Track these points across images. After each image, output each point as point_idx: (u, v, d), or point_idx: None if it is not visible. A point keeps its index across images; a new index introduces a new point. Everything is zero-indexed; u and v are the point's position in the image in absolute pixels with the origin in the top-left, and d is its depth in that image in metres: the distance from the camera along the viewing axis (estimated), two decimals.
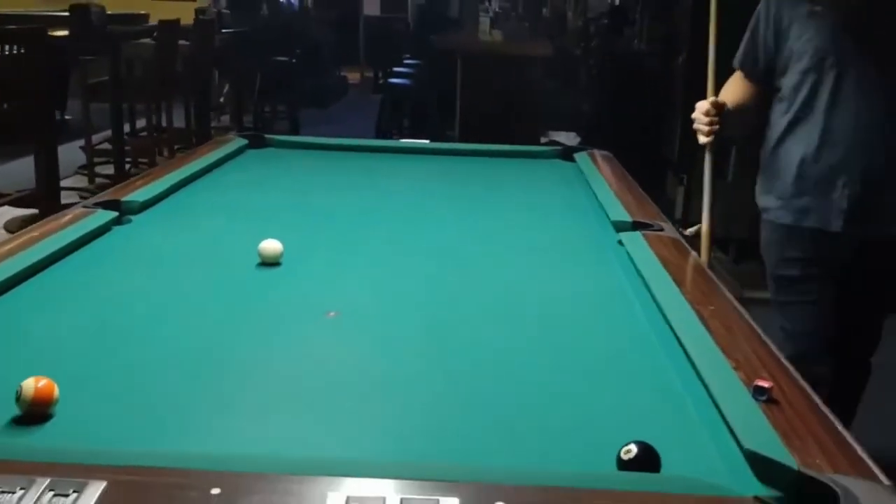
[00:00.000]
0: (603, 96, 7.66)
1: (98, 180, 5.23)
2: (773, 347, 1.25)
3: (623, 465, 0.94)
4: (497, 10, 9.49)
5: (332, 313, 1.43)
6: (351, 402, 1.12)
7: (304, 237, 1.85)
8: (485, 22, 5.49)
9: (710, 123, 2.06)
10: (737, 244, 4.46)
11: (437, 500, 0.84)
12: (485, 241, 1.93)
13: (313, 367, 1.23)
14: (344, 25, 11.90)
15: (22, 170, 4.56)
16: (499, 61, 5.26)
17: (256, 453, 0.94)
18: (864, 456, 0.95)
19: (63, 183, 4.67)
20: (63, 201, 4.17)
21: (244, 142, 2.74)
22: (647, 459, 0.94)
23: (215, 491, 0.84)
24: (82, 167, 5.42)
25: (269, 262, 1.64)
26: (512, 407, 1.13)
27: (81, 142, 5.30)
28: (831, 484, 0.88)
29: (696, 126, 2.10)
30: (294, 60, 7.44)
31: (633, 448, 0.94)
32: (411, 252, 1.83)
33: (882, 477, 0.92)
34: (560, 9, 12.25)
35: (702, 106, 2.08)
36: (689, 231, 5.35)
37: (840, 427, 1.01)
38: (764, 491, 0.90)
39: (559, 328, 1.43)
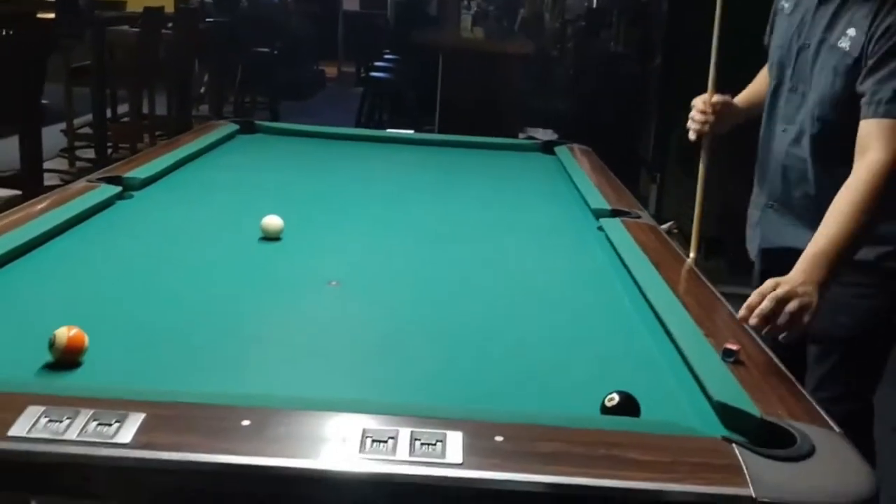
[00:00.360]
0: (579, 96, 7.80)
1: (79, 164, 5.26)
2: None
3: (606, 410, 1.05)
4: (478, 8, 9.58)
5: (334, 282, 1.53)
6: (364, 354, 1.24)
7: (301, 215, 1.94)
8: (466, 19, 5.60)
9: (703, 122, 1.94)
10: (706, 241, 4.61)
11: (444, 434, 0.94)
12: (471, 224, 2.03)
13: (325, 326, 1.34)
14: (323, 20, 11.93)
15: (2, 150, 4.58)
16: (480, 58, 5.37)
17: (282, 394, 1.04)
18: (819, 408, 1.07)
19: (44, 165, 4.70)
20: (46, 183, 4.22)
21: (235, 127, 2.81)
22: (629, 406, 1.05)
23: (245, 423, 0.94)
24: (63, 150, 5.44)
25: (271, 237, 1.73)
26: (509, 362, 1.24)
27: (60, 125, 5.32)
28: (790, 428, 1.00)
29: (689, 122, 2.01)
30: (275, 52, 7.49)
31: (616, 396, 1.06)
32: (403, 232, 1.93)
33: (833, 425, 1.04)
34: (538, 10, 12.38)
35: (697, 102, 1.97)
36: (663, 228, 5.49)
37: (798, 385, 1.13)
38: (736, 436, 1.02)
39: (547, 298, 1.55)
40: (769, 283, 1.39)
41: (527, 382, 1.19)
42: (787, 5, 1.83)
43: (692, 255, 2.08)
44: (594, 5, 8.80)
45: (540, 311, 1.48)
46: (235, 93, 7.34)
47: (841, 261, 1.50)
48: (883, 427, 2.32)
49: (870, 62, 1.58)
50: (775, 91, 1.83)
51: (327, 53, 12.19)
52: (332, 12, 12.74)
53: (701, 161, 2.12)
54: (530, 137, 5.05)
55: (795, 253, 1.64)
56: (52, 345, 1.12)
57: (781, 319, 1.34)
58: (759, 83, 2.01)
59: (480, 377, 1.19)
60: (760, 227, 1.94)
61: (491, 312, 1.45)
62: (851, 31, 1.62)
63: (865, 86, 1.58)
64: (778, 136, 1.82)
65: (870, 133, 1.55)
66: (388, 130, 3.37)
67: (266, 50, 7.49)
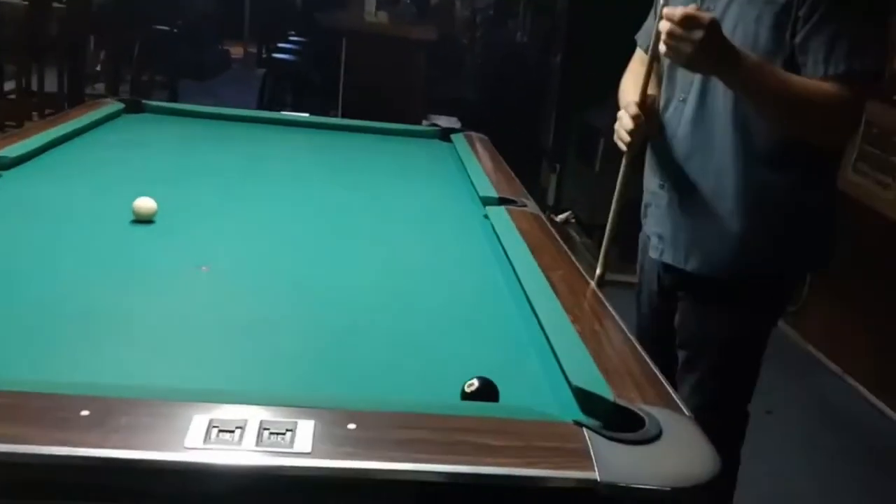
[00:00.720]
0: (485, 85, 7.85)
1: None
2: (608, 305, 1.40)
3: (466, 396, 1.05)
4: None
5: (204, 267, 1.48)
6: (218, 342, 1.20)
7: (180, 197, 1.87)
8: (371, 3, 5.54)
9: (637, 127, 1.72)
10: (601, 230, 4.70)
11: (295, 423, 0.92)
12: (356, 210, 2.01)
13: (183, 312, 1.30)
14: None
15: None
16: (383, 43, 5.32)
17: (126, 383, 1.00)
18: (671, 390, 1.11)
19: None
20: None
21: (120, 106, 2.71)
22: (488, 392, 1.06)
23: (84, 413, 0.90)
24: None
25: (143, 220, 1.67)
26: (369, 349, 1.23)
27: None
28: (639, 412, 1.02)
29: (616, 128, 1.77)
30: (175, 30, 7.25)
31: (476, 382, 1.06)
32: (284, 215, 1.89)
33: (683, 408, 1.07)
34: None
35: (629, 110, 1.74)
36: (560, 217, 5.60)
37: (653, 366, 1.17)
38: (588, 420, 1.04)
39: (424, 285, 1.54)
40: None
41: (392, 369, 1.18)
42: None
43: (599, 271, 1.89)
44: None
45: (414, 298, 1.47)
46: (133, 71, 7.07)
47: (752, 73, 1.49)
48: (756, 410, 2.41)
49: (806, 12, 1.51)
50: (672, 66, 1.74)
51: (233, 33, 11.89)
52: None
53: (619, 177, 1.85)
54: (434, 124, 5.05)
55: (694, 233, 1.71)
56: None
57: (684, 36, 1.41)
58: (641, 72, 1.82)
59: (344, 365, 1.18)
60: (653, 211, 1.87)
61: (364, 300, 1.44)
62: None
63: (814, 41, 1.51)
64: (676, 106, 1.75)
65: (832, 85, 1.50)
66: (282, 112, 3.29)
67: (166, 28, 7.23)
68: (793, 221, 1.71)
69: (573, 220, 5.18)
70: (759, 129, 1.62)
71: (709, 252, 1.73)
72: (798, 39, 1.53)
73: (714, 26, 1.44)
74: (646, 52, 1.81)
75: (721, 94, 1.65)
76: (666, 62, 1.75)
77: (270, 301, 1.38)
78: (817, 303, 3.72)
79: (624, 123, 1.72)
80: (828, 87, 1.51)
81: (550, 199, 5.55)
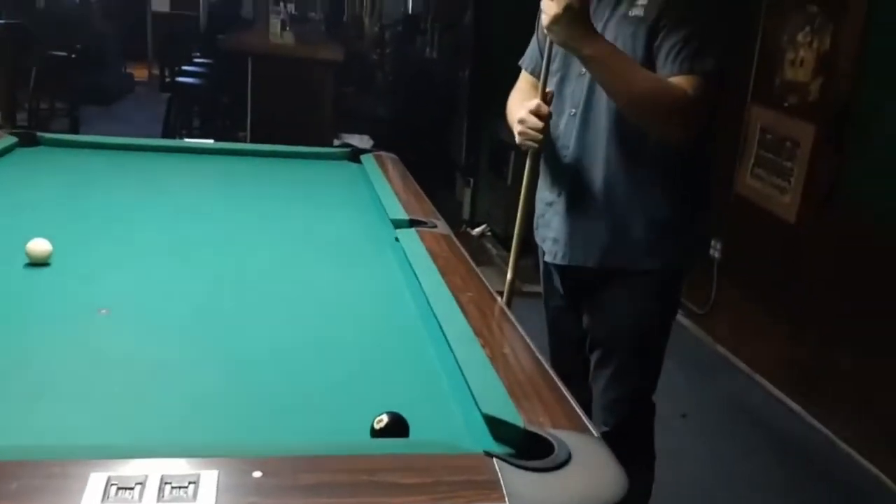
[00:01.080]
0: (396, 101, 7.86)
1: None
2: (517, 325, 1.42)
3: (375, 433, 1.04)
4: (293, 12, 9.44)
5: (103, 310, 1.43)
6: (116, 390, 1.16)
7: (76, 236, 1.81)
8: (276, 24, 5.47)
9: (547, 122, 1.84)
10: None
11: (198, 474, 0.90)
12: (265, 239, 1.98)
13: (80, 361, 1.25)
14: (131, 20, 11.35)
15: None
16: (290, 64, 5.27)
17: (16, 444, 0.95)
18: (580, 412, 1.12)
19: None
20: None
21: (14, 140, 2.60)
22: (397, 427, 1.05)
23: None
24: None
25: (38, 262, 1.60)
26: (277, 388, 1.21)
27: None
28: (548, 437, 1.03)
29: (524, 130, 1.86)
30: (73, 55, 7.02)
31: (385, 418, 1.05)
32: (188, 249, 1.85)
33: (592, 429, 1.08)
34: (357, 15, 12.39)
35: (532, 112, 1.84)
36: (476, 231, 5.65)
37: (563, 388, 1.18)
38: (500, 448, 1.04)
39: (331, 316, 1.52)
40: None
41: (301, 408, 1.16)
42: None
43: (509, 276, 2.06)
44: (410, 11, 8.92)
45: (324, 331, 1.45)
46: (29, 100, 6.81)
47: (598, 58, 1.70)
48: (672, 414, 2.49)
49: (667, 23, 1.73)
50: (562, 81, 1.91)
51: (136, 55, 11.61)
52: (140, 12, 12.15)
53: (525, 178, 1.99)
54: (346, 144, 5.03)
55: (590, 232, 1.86)
56: None
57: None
58: (528, 90, 2.04)
59: (251, 408, 1.15)
60: (549, 219, 2.00)
61: (271, 336, 1.41)
62: (642, 1, 1.77)
63: (666, 45, 1.73)
64: (567, 120, 1.91)
65: (678, 81, 1.72)
66: (185, 140, 3.22)
67: (63, 53, 7.00)
68: (676, 220, 1.91)
69: (489, 233, 5.23)
70: (636, 138, 1.82)
71: (605, 248, 1.90)
72: (655, 44, 1.75)
73: (583, 5, 1.69)
74: (531, 73, 2.06)
75: (604, 108, 1.84)
76: (555, 78, 1.92)
77: (173, 343, 1.34)
78: (724, 304, 3.85)
79: (533, 123, 1.83)
80: (675, 82, 1.71)
81: (466, 213, 5.60)
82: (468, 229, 5.38)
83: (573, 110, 1.90)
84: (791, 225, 3.33)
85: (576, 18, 1.68)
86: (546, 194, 2.02)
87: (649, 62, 1.75)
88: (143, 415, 1.11)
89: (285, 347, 1.36)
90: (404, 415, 1.08)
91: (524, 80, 2.12)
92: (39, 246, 1.61)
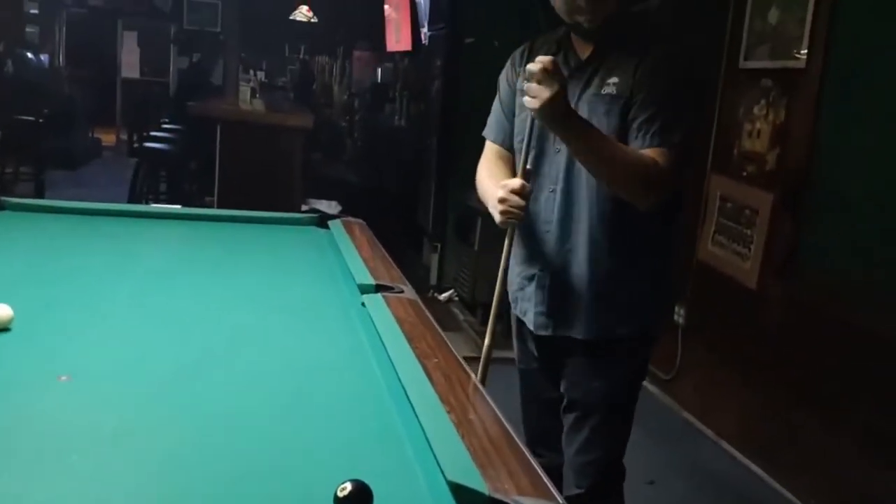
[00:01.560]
0: (365, 168, 7.94)
1: None
2: (484, 391, 1.42)
3: (339, 501, 1.03)
4: (263, 80, 9.56)
5: (63, 377, 1.41)
6: (74, 462, 1.13)
7: (39, 302, 1.79)
8: (245, 91, 5.54)
9: (521, 207, 1.90)
10: (483, 308, 4.78)
11: None
12: (230, 304, 1.97)
13: (37, 429, 1.22)
14: (100, 86, 11.43)
15: None
16: (259, 130, 5.32)
17: None
18: (545, 478, 1.12)
19: None
20: None
21: None
22: (361, 495, 1.03)
23: None
24: None
25: None
26: (238, 455, 1.19)
27: None
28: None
29: (507, 209, 1.90)
30: (41, 120, 7.02)
31: (348, 486, 1.04)
32: (153, 316, 1.83)
33: (556, 495, 1.08)
34: (327, 83, 12.59)
35: (514, 189, 1.90)
36: (443, 296, 5.67)
37: (528, 454, 1.18)
38: None
39: (296, 382, 1.51)
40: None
41: (265, 476, 1.14)
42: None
43: (487, 341, 2.08)
44: (379, 80, 9.09)
45: (289, 397, 1.44)
46: None
47: (588, 133, 1.82)
48: (639, 481, 2.49)
49: (639, 99, 1.85)
50: (539, 157, 2.00)
51: (104, 120, 11.65)
52: (109, 78, 12.24)
53: (504, 252, 2.04)
54: (314, 210, 5.05)
55: (576, 304, 1.95)
56: None
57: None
58: (504, 167, 2.10)
59: (213, 477, 1.13)
60: (530, 292, 2.06)
61: (236, 403, 1.39)
62: (614, 79, 1.89)
63: (637, 120, 1.85)
64: (547, 196, 1.99)
65: (648, 153, 1.83)
66: (152, 206, 3.22)
67: (31, 118, 7.00)
68: (651, 287, 2.02)
69: (456, 299, 5.25)
70: (617, 212, 1.91)
71: (591, 319, 1.98)
72: (629, 118, 1.87)
73: (565, 87, 1.78)
74: (499, 145, 2.15)
75: (584, 184, 1.93)
76: (531, 155, 1.98)
77: (135, 410, 1.31)
78: (689, 369, 3.88)
79: (515, 202, 1.89)
80: (647, 155, 1.83)
81: (433, 278, 5.62)
82: (435, 294, 5.40)
83: (553, 186, 1.98)
84: (752, 291, 3.39)
85: (562, 101, 1.77)
86: (524, 268, 2.08)
87: (622, 137, 1.87)
88: (102, 485, 1.08)
89: (249, 414, 1.35)
90: (368, 482, 1.07)
91: (491, 151, 2.17)
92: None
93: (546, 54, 2.00)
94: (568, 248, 1.97)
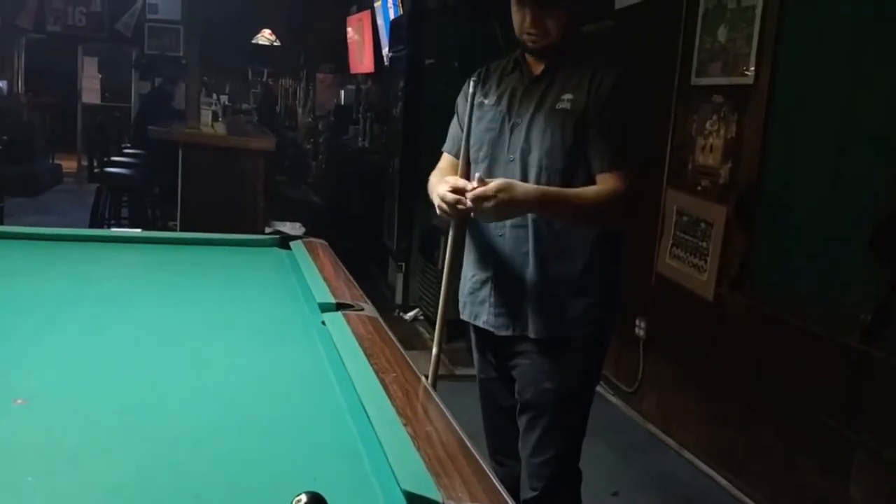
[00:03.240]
0: (329, 188, 7.94)
1: None
2: (441, 403, 1.44)
3: None
4: (226, 103, 9.56)
5: (19, 400, 1.41)
6: (30, 481, 1.13)
7: None
8: (206, 114, 5.54)
9: (459, 202, 1.97)
10: (449, 324, 4.79)
11: None
12: (190, 326, 1.97)
13: None
14: (61, 112, 11.33)
15: None
16: (221, 154, 5.32)
17: None
18: (499, 486, 1.14)
19: None
20: None
21: None
22: None
23: None
24: None
25: None
26: (195, 472, 1.20)
27: None
28: None
29: (441, 204, 2.02)
30: (0, 146, 6.94)
31: (304, 497, 1.05)
32: (112, 339, 1.83)
33: (510, 502, 1.11)
34: (291, 106, 12.61)
35: (452, 188, 2.00)
36: (409, 315, 5.68)
37: (482, 463, 1.20)
38: None
39: (254, 399, 1.52)
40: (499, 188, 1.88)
41: (223, 493, 1.15)
42: (487, 100, 2.16)
43: (435, 350, 2.22)
44: (342, 102, 9.13)
45: (247, 415, 1.45)
46: None
47: (549, 205, 1.96)
48: (603, 493, 2.52)
49: (595, 122, 1.98)
50: (491, 166, 2.11)
51: (65, 146, 11.54)
52: (70, 104, 12.14)
53: (448, 252, 2.16)
54: (277, 232, 5.05)
55: (531, 305, 2.05)
56: None
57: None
58: (449, 170, 2.22)
59: (171, 495, 1.13)
60: (484, 295, 2.15)
61: (194, 422, 1.40)
62: (568, 96, 2.01)
63: (595, 145, 1.98)
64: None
65: (605, 179, 1.98)
66: (112, 230, 3.20)
67: None
68: (603, 289, 2.10)
69: (421, 317, 5.27)
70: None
71: (543, 320, 2.07)
72: (585, 139, 2.00)
73: (502, 189, 1.90)
74: (452, 154, 2.26)
75: None
76: (484, 165, 2.12)
77: (91, 431, 1.31)
78: (651, 382, 3.93)
79: (449, 198, 1.99)
80: (606, 186, 1.97)
81: (399, 298, 5.63)
82: (401, 314, 5.41)
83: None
84: (710, 302, 3.46)
85: (509, 196, 1.89)
86: (477, 272, 2.17)
87: (575, 147, 2.00)
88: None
89: (206, 431, 1.35)
90: (324, 494, 1.08)
91: (445, 160, 2.30)
92: None
93: (501, 72, 2.17)
94: (518, 252, 2.07)
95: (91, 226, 5.92)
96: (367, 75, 8.89)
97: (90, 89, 12.39)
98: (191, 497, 1.13)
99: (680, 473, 3.49)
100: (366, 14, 8.37)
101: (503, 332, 2.12)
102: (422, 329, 5.14)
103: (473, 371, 2.37)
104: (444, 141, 2.33)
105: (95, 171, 6.16)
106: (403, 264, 5.55)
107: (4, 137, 7.23)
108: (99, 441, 1.29)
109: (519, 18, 2.05)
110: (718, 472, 3.39)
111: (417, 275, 5.37)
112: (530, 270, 2.06)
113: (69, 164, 11.44)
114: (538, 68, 2.10)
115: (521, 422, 2.13)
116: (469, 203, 1.91)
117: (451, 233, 2.15)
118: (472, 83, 2.19)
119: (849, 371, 2.73)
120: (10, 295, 2.09)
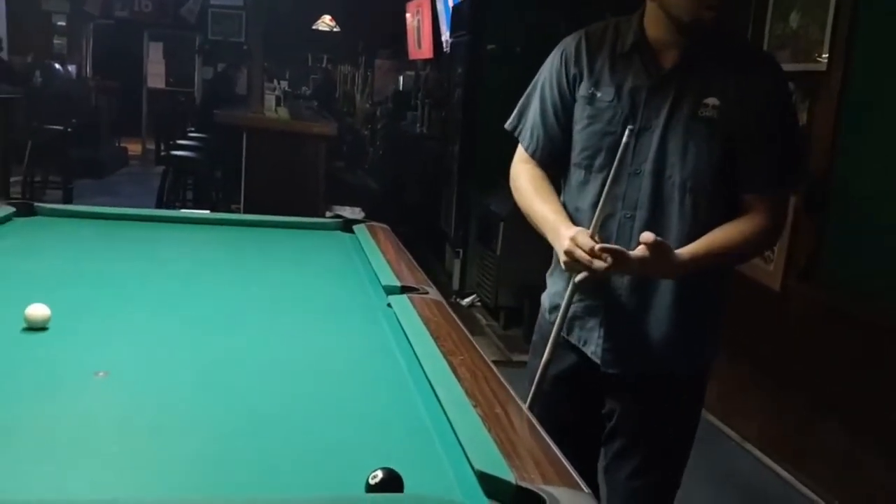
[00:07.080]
0: (387, 174, 7.99)
1: None
2: (510, 388, 1.45)
3: (370, 488, 1.06)
4: (286, 89, 9.68)
5: (101, 373, 1.46)
6: (113, 452, 1.17)
7: (74, 302, 1.84)
8: (270, 100, 5.63)
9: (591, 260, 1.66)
10: (506, 312, 4.80)
11: None
12: (261, 306, 2.01)
13: (77, 422, 1.26)
14: (126, 96, 11.60)
15: None
16: (284, 138, 5.40)
17: (19, 500, 0.97)
18: (570, 469, 1.14)
19: None
20: None
21: (10, 210, 2.64)
22: (392, 482, 1.07)
23: None
24: None
25: (36, 327, 1.63)
26: (271, 449, 1.22)
27: None
28: (540, 493, 1.05)
29: (572, 263, 1.71)
30: (69, 129, 7.15)
31: (380, 473, 1.07)
32: (186, 315, 1.87)
33: (583, 485, 1.11)
34: (350, 92, 12.69)
35: (585, 243, 1.67)
36: (465, 301, 5.69)
37: (553, 445, 1.20)
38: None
39: (325, 379, 1.55)
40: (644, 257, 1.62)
41: (298, 466, 1.18)
42: (601, 94, 1.78)
43: (533, 389, 1.90)
44: (401, 88, 9.16)
45: (319, 393, 1.48)
46: (24, 172, 6.92)
47: (694, 264, 1.68)
48: None
49: (754, 136, 1.68)
50: (614, 181, 1.71)
51: (130, 130, 11.81)
52: (136, 89, 12.42)
53: (566, 299, 1.82)
54: (337, 216, 5.10)
55: (641, 340, 1.81)
56: None
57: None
58: (548, 188, 1.90)
59: (248, 469, 1.16)
60: (593, 325, 1.86)
61: (268, 397, 1.43)
62: (713, 101, 1.67)
63: (750, 163, 1.69)
64: (621, 223, 1.77)
65: (754, 205, 1.72)
66: (183, 211, 3.27)
67: (59, 128, 7.13)
68: (717, 317, 1.91)
69: (478, 303, 5.27)
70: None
71: (661, 357, 1.83)
72: (740, 163, 1.71)
73: (654, 263, 1.64)
74: (527, 151, 1.93)
75: (676, 211, 1.74)
76: (601, 175, 1.78)
77: (170, 406, 1.35)
78: (713, 372, 3.87)
79: (579, 256, 1.68)
80: (756, 222, 1.72)
81: (455, 284, 5.65)
82: (458, 300, 5.42)
83: (629, 212, 1.76)
84: (777, 293, 3.39)
85: (655, 272, 1.69)
86: (586, 296, 1.85)
87: (722, 163, 1.69)
88: (140, 476, 1.12)
89: (281, 410, 1.38)
90: (393, 468, 1.10)
91: (529, 163, 1.94)
92: (38, 311, 1.63)
93: (612, 52, 1.78)
94: (645, 283, 1.76)
95: (157, 207, 6.07)
96: (425, 61, 8.89)
97: (155, 74, 12.67)
98: (266, 469, 1.16)
99: (741, 465, 3.44)
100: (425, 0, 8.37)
101: (615, 370, 1.85)
102: (479, 315, 5.15)
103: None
104: (502, 129, 2.02)
105: (162, 153, 6.30)
106: (461, 250, 5.56)
107: (73, 121, 7.43)
108: (176, 413, 1.33)
109: None
110: (780, 465, 3.33)
111: (475, 261, 5.37)
112: (657, 309, 1.78)
113: (134, 148, 11.72)
114: (668, 59, 1.72)
115: (613, 445, 1.92)
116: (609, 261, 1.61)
117: (573, 280, 1.78)
118: (571, 61, 1.80)
119: None
120: (87, 272, 2.16)
